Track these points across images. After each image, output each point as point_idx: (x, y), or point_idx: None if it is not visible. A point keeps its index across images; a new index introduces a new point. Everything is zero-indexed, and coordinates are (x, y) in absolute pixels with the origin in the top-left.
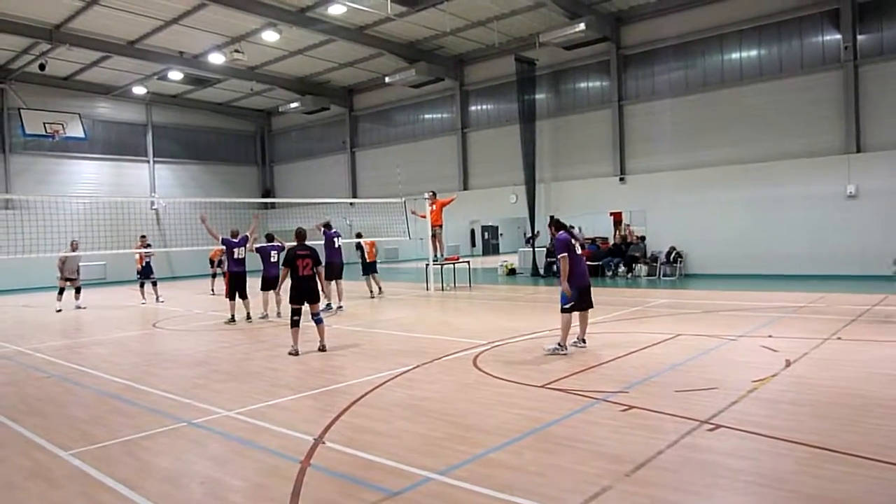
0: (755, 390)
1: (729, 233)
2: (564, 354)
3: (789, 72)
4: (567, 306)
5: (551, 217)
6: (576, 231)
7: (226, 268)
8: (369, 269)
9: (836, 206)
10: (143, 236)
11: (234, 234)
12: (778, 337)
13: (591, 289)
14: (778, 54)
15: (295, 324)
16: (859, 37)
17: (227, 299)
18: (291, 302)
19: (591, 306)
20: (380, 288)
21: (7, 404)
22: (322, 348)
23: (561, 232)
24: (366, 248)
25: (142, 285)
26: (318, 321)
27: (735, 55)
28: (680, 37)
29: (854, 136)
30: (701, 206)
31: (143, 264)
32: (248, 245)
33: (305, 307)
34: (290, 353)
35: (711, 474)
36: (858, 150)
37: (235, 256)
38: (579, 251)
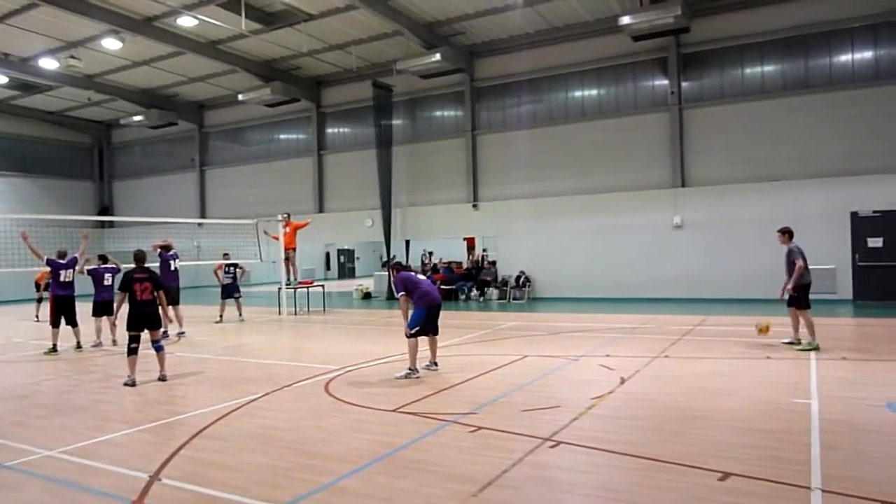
0: (593, 407)
1: (573, 259)
2: (417, 377)
3: (625, 111)
4: (413, 331)
5: (391, 259)
6: (428, 258)
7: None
8: (234, 291)
9: (665, 236)
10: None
11: (62, 255)
12: (614, 356)
13: (441, 312)
14: (615, 94)
15: (132, 352)
16: (683, 83)
17: (51, 326)
18: (129, 329)
19: (437, 332)
20: (240, 312)
21: None
22: (162, 378)
23: (401, 272)
24: (239, 270)
25: None
26: (159, 349)
27: (578, 93)
28: (529, 73)
29: (679, 172)
30: (548, 233)
31: None
32: (77, 267)
33: (144, 334)
34: (125, 384)
35: (553, 489)
36: (683, 185)
37: (62, 279)
38: (421, 277)
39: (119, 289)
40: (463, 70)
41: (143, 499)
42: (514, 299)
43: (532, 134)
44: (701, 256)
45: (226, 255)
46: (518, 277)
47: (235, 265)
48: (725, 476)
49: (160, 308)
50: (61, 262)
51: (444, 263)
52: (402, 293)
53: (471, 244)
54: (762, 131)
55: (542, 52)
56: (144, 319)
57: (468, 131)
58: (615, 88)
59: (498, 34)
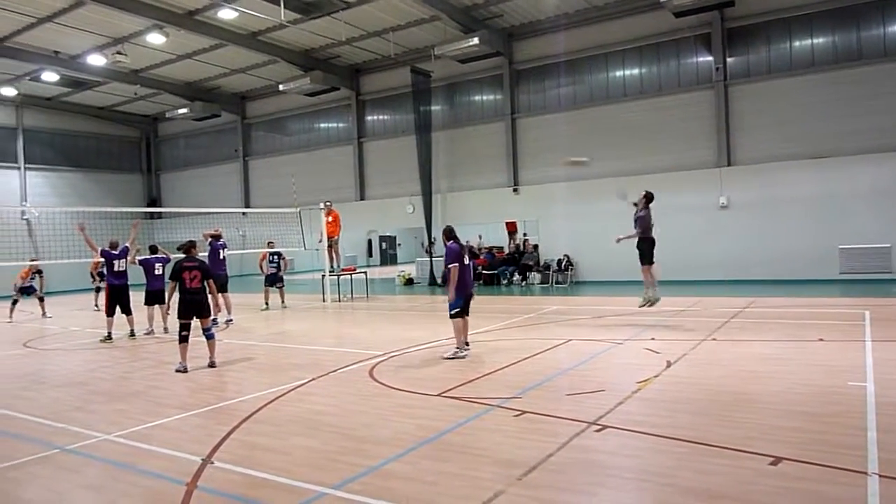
0: (639, 391)
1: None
2: (463, 357)
3: (667, 90)
4: (453, 312)
5: (447, 226)
6: (475, 240)
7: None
8: (277, 279)
9: (710, 216)
10: (32, 267)
11: (114, 246)
12: (660, 339)
13: (484, 297)
14: (657, 73)
15: (183, 339)
16: (729, 59)
17: (106, 315)
18: (180, 317)
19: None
20: (283, 300)
21: None
22: (212, 364)
23: (451, 242)
24: (283, 260)
25: (14, 302)
26: (209, 336)
27: (619, 73)
28: (569, 54)
29: (725, 151)
30: (590, 216)
31: (26, 284)
32: (129, 257)
33: (195, 322)
34: (177, 370)
35: (597, 473)
36: (729, 164)
37: (115, 269)
38: (467, 261)
39: (170, 278)
40: (501, 53)
41: (196, 481)
42: (557, 283)
43: (572, 116)
44: (748, 237)
45: (270, 243)
46: (560, 261)
47: (279, 254)
48: (777, 460)
49: (209, 296)
50: (114, 252)
51: (486, 248)
52: (455, 264)
53: (511, 229)
54: (812, 106)
55: (581, 33)
56: (194, 307)
57: (507, 115)
58: (657, 67)
59: (536, 15)
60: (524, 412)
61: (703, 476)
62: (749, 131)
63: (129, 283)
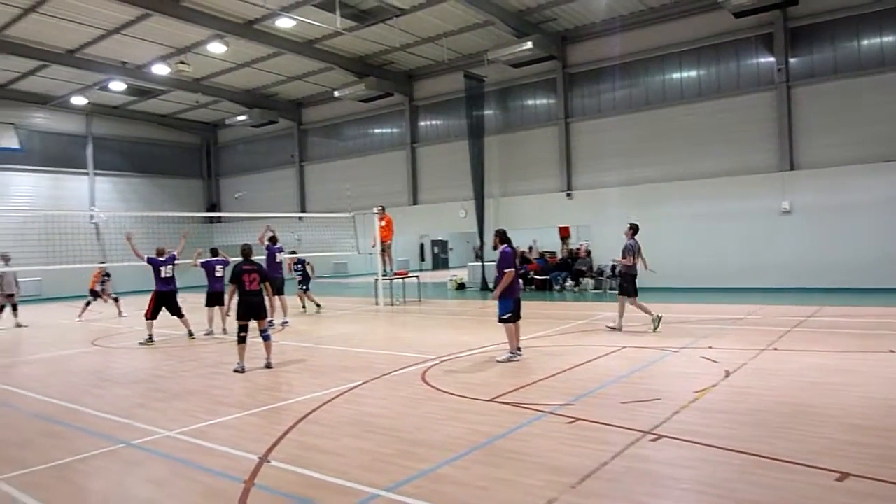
0: (696, 401)
1: (671, 247)
2: (518, 360)
3: (727, 92)
4: (506, 317)
5: (500, 229)
6: (529, 246)
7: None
8: (304, 284)
9: (772, 221)
10: (102, 269)
11: (160, 253)
12: (718, 348)
13: (536, 302)
14: (716, 75)
15: (242, 340)
16: (791, 60)
17: (147, 319)
18: (239, 318)
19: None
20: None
21: None
22: (268, 365)
23: (505, 245)
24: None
25: (87, 304)
26: (266, 337)
27: (676, 75)
28: (623, 56)
29: (788, 155)
30: (645, 221)
31: (98, 287)
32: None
33: (252, 323)
34: (235, 371)
35: (653, 484)
36: (792, 168)
37: (162, 275)
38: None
39: (230, 281)
40: (555, 57)
41: (253, 479)
42: (611, 289)
43: (627, 119)
44: (813, 243)
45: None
46: (614, 267)
47: (303, 262)
48: (843, 476)
49: (266, 298)
50: (160, 259)
51: (538, 253)
52: (511, 269)
53: (564, 234)
54: (881, 107)
55: (636, 35)
56: (252, 309)
57: (561, 119)
58: (716, 68)
59: (590, 18)
60: (577, 419)
61: (764, 490)
62: (813, 134)
63: (175, 288)
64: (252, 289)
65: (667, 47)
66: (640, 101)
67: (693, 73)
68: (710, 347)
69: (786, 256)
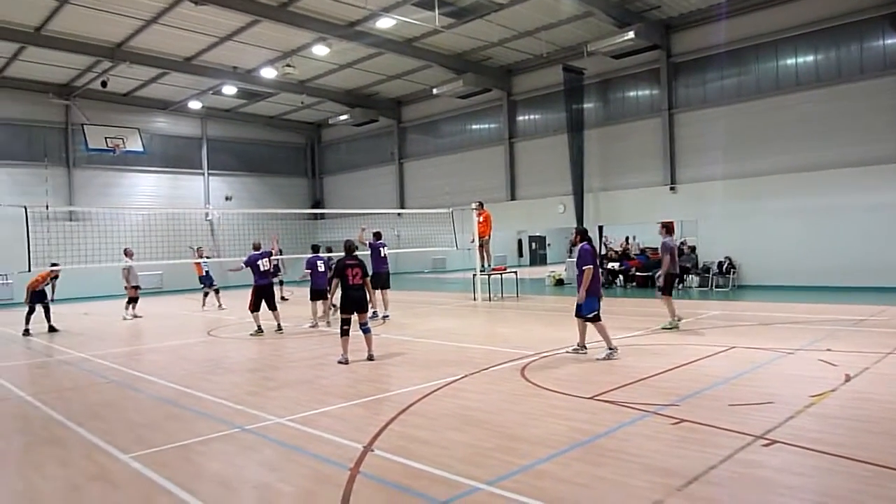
0: (813, 405)
1: (784, 243)
2: (618, 358)
3: (848, 77)
4: (591, 315)
5: (581, 227)
6: (630, 239)
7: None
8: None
9: None
10: (200, 248)
11: (256, 247)
12: (837, 351)
13: (638, 299)
14: (836, 59)
15: (345, 333)
16: None
17: (251, 311)
18: (342, 311)
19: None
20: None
21: (71, 409)
22: (370, 357)
23: (585, 243)
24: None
25: (205, 294)
26: (366, 331)
27: (790, 61)
28: (731, 43)
29: None
30: (754, 216)
31: (204, 273)
32: (271, 259)
33: (354, 316)
34: (339, 362)
35: (766, 491)
36: None
37: (260, 269)
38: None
39: (333, 275)
40: (658, 46)
41: (358, 467)
42: (717, 287)
43: (735, 109)
44: None
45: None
46: (721, 263)
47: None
48: None
49: (367, 292)
50: (256, 252)
51: (639, 249)
52: (590, 266)
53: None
54: None
55: (746, 20)
56: (355, 303)
57: (664, 110)
58: (835, 52)
59: (696, 4)
60: (682, 420)
61: (888, 503)
62: None
63: (273, 282)
64: (355, 283)
65: (779, 31)
66: (750, 89)
67: (810, 58)
68: (829, 350)
69: None
